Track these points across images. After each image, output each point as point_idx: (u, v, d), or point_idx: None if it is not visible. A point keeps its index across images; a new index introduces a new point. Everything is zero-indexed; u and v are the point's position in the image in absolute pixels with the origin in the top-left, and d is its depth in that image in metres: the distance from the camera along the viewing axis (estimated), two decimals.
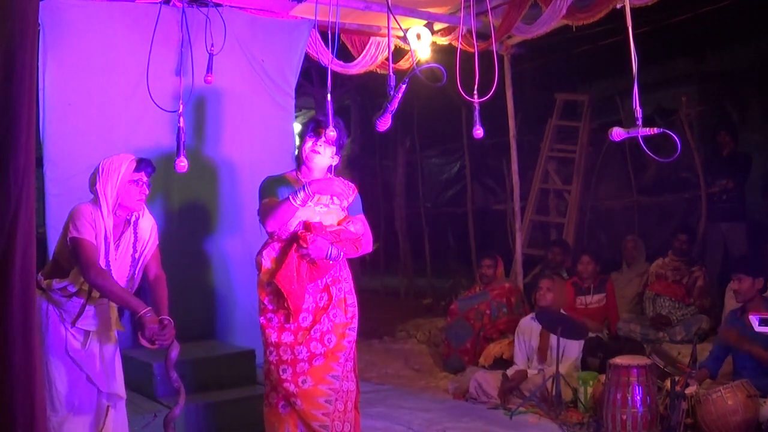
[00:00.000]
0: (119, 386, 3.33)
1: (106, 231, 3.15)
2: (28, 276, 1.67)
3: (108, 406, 3.28)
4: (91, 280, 3.07)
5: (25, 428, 1.64)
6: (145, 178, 3.24)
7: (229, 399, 4.39)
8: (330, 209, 3.49)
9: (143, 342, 3.09)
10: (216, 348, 4.95)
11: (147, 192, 3.27)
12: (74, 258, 3.11)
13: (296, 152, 3.63)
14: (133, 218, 3.29)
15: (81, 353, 3.20)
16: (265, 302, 3.40)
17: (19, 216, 1.63)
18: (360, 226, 3.54)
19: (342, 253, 3.43)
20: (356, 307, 3.55)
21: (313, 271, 3.38)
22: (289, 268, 3.31)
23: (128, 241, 3.27)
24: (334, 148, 3.49)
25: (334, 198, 3.51)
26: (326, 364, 3.39)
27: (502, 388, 5.16)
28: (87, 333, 3.23)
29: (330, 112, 3.10)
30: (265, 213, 3.39)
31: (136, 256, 3.30)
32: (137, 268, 3.32)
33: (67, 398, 3.17)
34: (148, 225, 3.35)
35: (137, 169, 3.22)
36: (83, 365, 3.20)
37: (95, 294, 3.18)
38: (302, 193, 3.29)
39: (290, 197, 3.29)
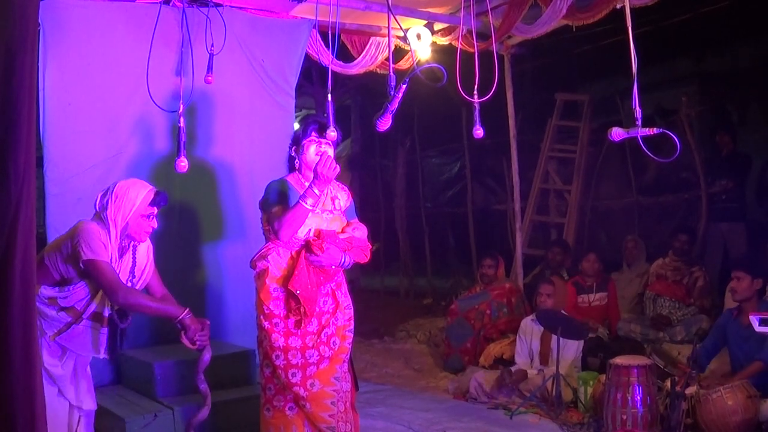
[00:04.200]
0: (91, 400, 3.24)
1: (112, 254, 3.08)
2: (28, 276, 1.67)
3: (80, 417, 3.21)
4: (121, 301, 3.00)
5: (25, 428, 1.64)
6: (156, 211, 3.15)
7: (229, 399, 4.39)
8: (334, 215, 3.50)
9: (185, 342, 3.11)
10: (215, 348, 4.93)
11: (156, 226, 3.17)
12: (93, 281, 3.01)
13: (291, 155, 3.57)
14: (132, 243, 3.20)
15: (57, 368, 3.08)
16: (271, 307, 3.39)
17: (19, 216, 1.62)
18: (362, 231, 3.55)
19: (353, 260, 3.44)
20: (352, 309, 3.58)
21: (321, 276, 3.40)
22: (302, 275, 3.33)
23: (126, 265, 3.19)
24: (333, 148, 3.49)
25: (335, 202, 3.51)
26: (331, 367, 3.42)
27: (498, 381, 5.16)
28: (65, 349, 3.10)
29: (331, 112, 3.10)
30: (278, 222, 3.31)
31: (134, 281, 3.21)
32: None
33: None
34: (145, 249, 3.27)
35: (152, 203, 3.12)
36: (57, 379, 3.09)
37: (89, 315, 3.08)
38: (311, 198, 3.26)
39: (301, 200, 3.27)
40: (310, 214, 3.37)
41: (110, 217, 3.08)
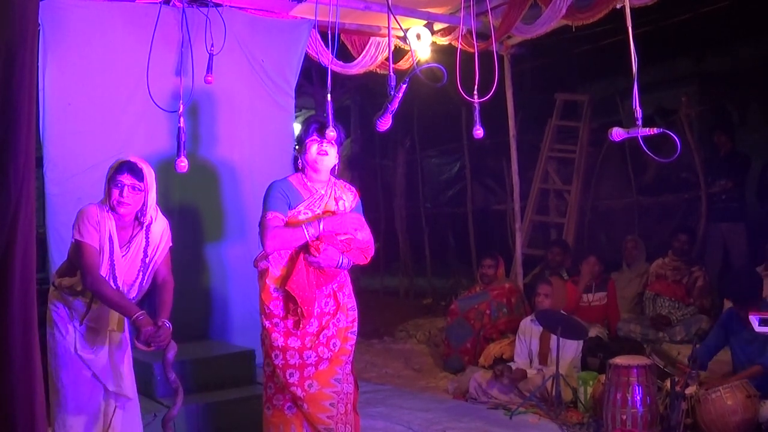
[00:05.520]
0: (128, 387, 3.32)
1: (110, 231, 3.14)
2: (28, 276, 1.66)
3: (116, 407, 3.27)
4: (88, 285, 3.10)
5: (25, 428, 1.64)
6: (128, 181, 3.13)
7: (229, 399, 4.39)
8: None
9: (138, 345, 3.09)
10: (216, 348, 4.95)
11: (126, 196, 3.14)
12: (75, 260, 3.13)
13: (295, 155, 3.58)
14: (147, 221, 3.24)
15: (89, 352, 3.21)
16: (271, 307, 3.38)
17: (19, 216, 1.62)
18: (366, 232, 3.54)
19: (351, 262, 3.44)
20: (356, 311, 3.56)
21: (321, 277, 3.39)
22: (300, 275, 3.32)
23: (139, 245, 3.24)
24: (336, 147, 3.48)
25: (340, 203, 3.50)
26: (331, 368, 3.40)
27: (493, 376, 5.17)
28: (96, 331, 3.23)
29: (330, 112, 3.10)
30: (269, 234, 3.30)
31: (147, 261, 3.27)
32: (147, 273, 3.29)
33: (72, 396, 3.18)
34: (159, 229, 3.31)
35: (118, 171, 3.15)
36: (91, 364, 3.21)
37: None
38: (313, 230, 3.30)
39: (304, 228, 3.29)
40: (310, 213, 3.39)
41: (104, 189, 3.20)
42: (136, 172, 3.16)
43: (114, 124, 4.81)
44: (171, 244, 3.40)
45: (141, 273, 3.27)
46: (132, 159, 3.22)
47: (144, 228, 3.26)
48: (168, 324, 3.15)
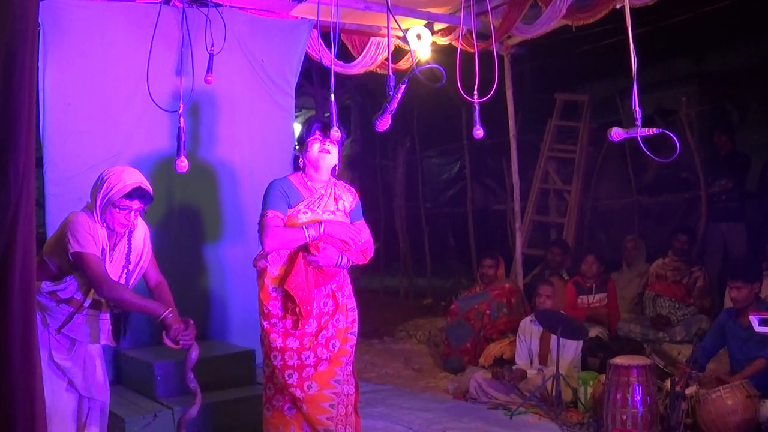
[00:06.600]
0: (102, 391, 3.27)
1: (103, 244, 3.10)
2: (28, 276, 1.67)
3: (90, 409, 3.23)
4: (105, 295, 3.02)
5: (25, 428, 1.64)
6: (136, 206, 3.09)
7: (229, 399, 4.39)
8: (336, 216, 3.48)
9: (167, 342, 3.06)
10: (216, 348, 4.95)
11: (132, 220, 3.12)
12: (81, 273, 3.04)
13: (296, 155, 3.58)
14: (127, 229, 3.20)
15: (66, 359, 3.12)
16: (270, 307, 3.38)
17: (19, 216, 1.62)
18: (365, 232, 3.54)
19: (350, 261, 3.44)
20: (356, 312, 3.56)
21: (320, 277, 3.39)
22: (299, 275, 3.31)
23: (122, 251, 3.19)
24: (337, 147, 3.49)
25: (339, 203, 3.51)
26: (330, 369, 3.40)
27: (495, 375, 5.17)
28: (73, 341, 3.14)
29: (334, 112, 3.10)
30: (269, 232, 3.32)
31: (130, 267, 3.21)
32: (131, 280, 3.24)
33: (49, 401, 3.11)
34: (141, 234, 3.27)
35: (128, 197, 3.07)
36: (67, 371, 3.12)
37: (89, 303, 3.12)
38: (313, 231, 3.32)
39: (305, 229, 3.31)
40: (310, 213, 3.39)
41: (95, 200, 3.09)
42: (147, 198, 3.12)
43: (114, 124, 4.81)
44: (152, 248, 3.35)
45: (124, 279, 3.22)
46: (142, 185, 3.11)
47: (126, 236, 3.21)
48: (193, 322, 3.14)
